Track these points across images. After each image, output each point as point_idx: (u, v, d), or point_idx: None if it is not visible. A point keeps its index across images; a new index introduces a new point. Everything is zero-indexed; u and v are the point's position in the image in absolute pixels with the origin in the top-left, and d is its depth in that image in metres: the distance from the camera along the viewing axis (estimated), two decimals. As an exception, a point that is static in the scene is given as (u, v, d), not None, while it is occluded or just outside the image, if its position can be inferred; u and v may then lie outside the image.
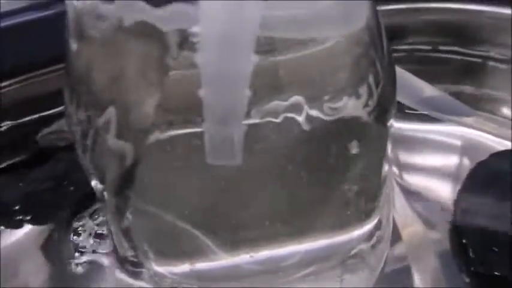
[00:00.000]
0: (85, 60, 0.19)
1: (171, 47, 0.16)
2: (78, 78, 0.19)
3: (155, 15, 0.16)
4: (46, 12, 0.33)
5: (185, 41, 0.16)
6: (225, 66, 0.16)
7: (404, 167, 0.32)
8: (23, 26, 0.33)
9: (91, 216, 0.29)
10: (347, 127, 0.19)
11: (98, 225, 0.28)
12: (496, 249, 0.25)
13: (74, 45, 0.19)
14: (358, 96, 0.19)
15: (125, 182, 0.19)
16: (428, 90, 0.31)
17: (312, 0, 0.17)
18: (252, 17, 0.15)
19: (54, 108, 0.33)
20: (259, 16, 0.15)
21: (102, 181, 0.20)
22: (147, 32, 0.16)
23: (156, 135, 0.17)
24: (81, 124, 0.19)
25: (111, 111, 0.18)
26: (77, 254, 0.27)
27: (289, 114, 0.17)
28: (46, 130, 0.33)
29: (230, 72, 0.16)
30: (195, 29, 0.15)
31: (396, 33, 0.35)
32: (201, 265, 0.20)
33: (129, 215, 0.20)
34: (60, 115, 0.33)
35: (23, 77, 0.33)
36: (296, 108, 0.17)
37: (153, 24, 0.16)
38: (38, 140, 0.33)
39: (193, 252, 0.20)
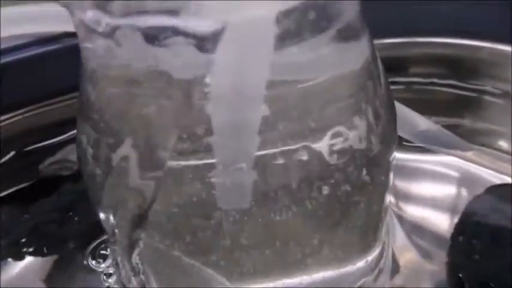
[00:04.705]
0: (101, 100, 0.19)
1: (182, 93, 0.16)
2: (91, 116, 0.19)
3: (168, 63, 0.16)
4: (49, 47, 0.34)
5: (197, 89, 0.16)
6: (236, 115, 0.16)
7: (402, 198, 0.32)
8: (28, 60, 0.34)
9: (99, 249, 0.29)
10: (351, 163, 0.19)
11: (105, 259, 0.28)
12: (493, 285, 0.25)
13: (87, 85, 0.19)
14: (359, 134, 0.19)
15: (140, 221, 0.19)
16: (424, 124, 0.31)
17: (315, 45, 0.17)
18: (262, 67, 0.16)
19: (57, 137, 0.34)
20: (268, 65, 0.16)
21: (115, 217, 0.20)
22: (158, 75, 0.16)
23: (171, 176, 0.18)
24: (95, 161, 0.19)
25: (127, 149, 0.18)
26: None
27: (295, 156, 0.18)
28: (50, 160, 0.33)
29: (241, 121, 0.16)
30: (206, 79, 0.16)
31: (394, 66, 0.36)
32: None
33: (139, 251, 0.20)
34: (63, 144, 0.34)
35: (27, 108, 0.33)
36: (300, 149, 0.18)
37: (164, 70, 0.16)
38: (42, 170, 0.33)
39: (200, 286, 0.20)
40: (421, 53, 0.36)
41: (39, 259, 0.29)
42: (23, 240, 0.30)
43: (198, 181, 0.18)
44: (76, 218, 0.30)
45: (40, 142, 0.34)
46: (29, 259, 0.29)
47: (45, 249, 0.29)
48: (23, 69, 0.34)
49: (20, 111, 0.33)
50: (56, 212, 0.31)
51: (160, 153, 0.18)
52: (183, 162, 0.18)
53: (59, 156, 0.33)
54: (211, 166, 0.17)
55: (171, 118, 0.17)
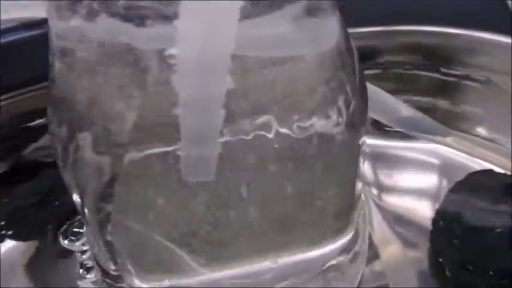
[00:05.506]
0: (67, 79, 0.19)
1: (149, 66, 0.17)
2: (60, 97, 0.19)
3: (135, 36, 0.16)
4: (33, 32, 0.34)
5: (163, 61, 0.16)
6: (201, 87, 0.16)
7: (383, 186, 0.32)
8: (13, 45, 0.34)
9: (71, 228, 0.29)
10: (317, 145, 0.19)
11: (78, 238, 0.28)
12: (471, 268, 0.26)
13: (56, 64, 0.19)
14: (328, 117, 0.19)
15: (104, 198, 0.19)
16: (404, 109, 0.32)
17: (282, 20, 0.17)
18: (227, 39, 0.16)
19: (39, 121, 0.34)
20: (233, 38, 0.16)
21: (82, 196, 0.20)
22: (126, 51, 0.16)
23: (132, 152, 0.18)
24: (63, 141, 0.19)
25: (91, 127, 0.18)
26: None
27: (260, 132, 0.18)
28: (33, 145, 0.33)
29: (206, 93, 0.16)
30: (172, 51, 0.16)
31: (373, 54, 0.36)
32: (180, 281, 0.21)
33: (109, 230, 0.20)
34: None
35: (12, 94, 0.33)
36: (266, 126, 0.18)
37: (132, 44, 0.16)
38: (24, 156, 0.33)
39: (172, 267, 0.20)
40: (402, 41, 0.36)
41: (19, 244, 0.29)
42: (2, 223, 0.30)
43: (161, 159, 0.18)
44: (56, 202, 0.30)
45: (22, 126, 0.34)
46: (8, 244, 0.30)
47: (24, 232, 0.30)
48: (9, 53, 0.34)
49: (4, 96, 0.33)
50: (36, 196, 0.31)
51: (121, 129, 0.18)
52: (146, 140, 0.18)
53: (42, 142, 0.33)
54: (176, 140, 0.17)
55: (134, 92, 0.17)
